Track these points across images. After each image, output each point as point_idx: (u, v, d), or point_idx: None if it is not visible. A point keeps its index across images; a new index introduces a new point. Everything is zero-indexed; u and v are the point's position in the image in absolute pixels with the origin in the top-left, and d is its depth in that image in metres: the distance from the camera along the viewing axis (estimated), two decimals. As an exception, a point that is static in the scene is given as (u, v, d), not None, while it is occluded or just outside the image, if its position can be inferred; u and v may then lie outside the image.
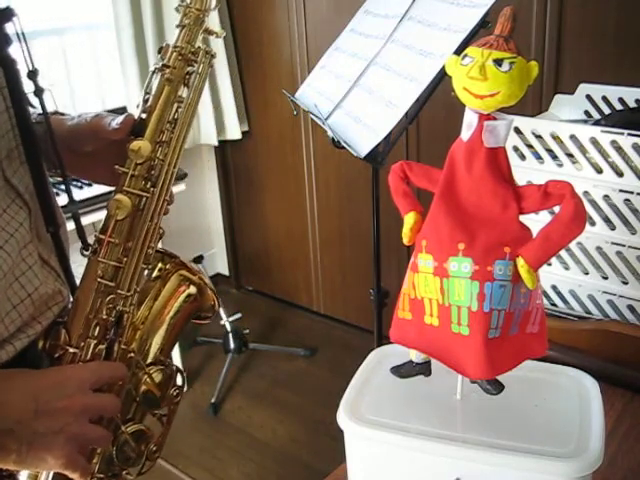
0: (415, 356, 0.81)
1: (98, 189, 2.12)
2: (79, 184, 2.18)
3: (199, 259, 2.87)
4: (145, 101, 0.84)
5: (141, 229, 0.81)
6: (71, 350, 0.78)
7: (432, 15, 1.39)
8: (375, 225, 1.59)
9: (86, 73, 2.79)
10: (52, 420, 0.69)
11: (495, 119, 0.72)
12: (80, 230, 0.85)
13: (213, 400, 2.58)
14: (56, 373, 0.75)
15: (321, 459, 2.22)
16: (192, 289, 0.90)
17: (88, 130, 0.86)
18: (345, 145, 1.41)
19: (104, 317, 0.79)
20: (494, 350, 0.72)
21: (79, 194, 2.12)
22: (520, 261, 0.71)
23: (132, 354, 0.82)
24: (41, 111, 0.83)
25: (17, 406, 0.68)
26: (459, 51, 1.28)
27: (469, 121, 0.73)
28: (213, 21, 2.77)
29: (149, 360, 0.85)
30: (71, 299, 0.84)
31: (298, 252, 3.13)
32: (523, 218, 0.74)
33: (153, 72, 0.84)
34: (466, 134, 0.73)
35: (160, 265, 0.89)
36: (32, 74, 0.80)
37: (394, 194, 0.80)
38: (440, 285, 0.73)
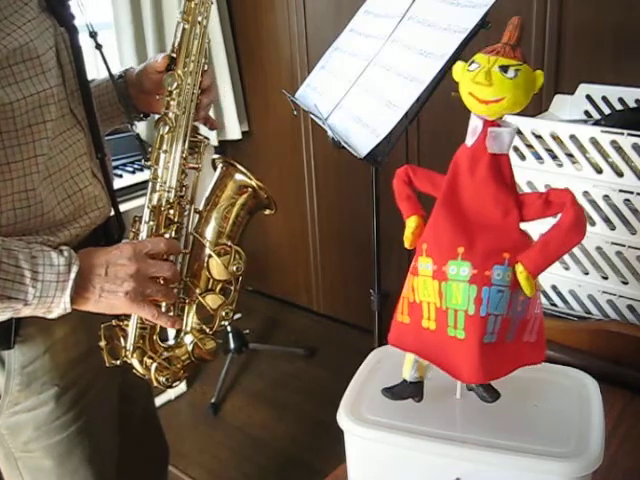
0: (409, 375, 0.80)
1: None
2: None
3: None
4: (174, 44, 1.09)
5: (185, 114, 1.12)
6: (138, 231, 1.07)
7: (432, 15, 1.39)
8: (375, 225, 1.59)
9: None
10: (115, 278, 0.96)
11: (500, 126, 0.73)
12: (140, 142, 1.22)
13: (213, 400, 2.59)
14: (122, 246, 1.00)
15: (321, 459, 2.22)
16: (248, 189, 1.20)
17: (145, 70, 1.18)
18: (345, 145, 1.41)
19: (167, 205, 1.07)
20: (489, 355, 0.72)
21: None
22: (519, 267, 0.71)
23: (198, 236, 1.13)
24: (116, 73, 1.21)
25: (95, 269, 0.95)
26: (459, 51, 1.28)
27: (474, 127, 0.74)
28: (212, 20, 2.77)
29: (214, 242, 1.14)
30: (112, 211, 1.14)
31: (298, 252, 3.13)
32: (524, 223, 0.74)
33: (178, 22, 1.09)
34: (470, 140, 0.74)
35: (221, 167, 1.20)
36: (94, 34, 1.20)
37: (397, 198, 0.81)
38: (438, 288, 0.73)
